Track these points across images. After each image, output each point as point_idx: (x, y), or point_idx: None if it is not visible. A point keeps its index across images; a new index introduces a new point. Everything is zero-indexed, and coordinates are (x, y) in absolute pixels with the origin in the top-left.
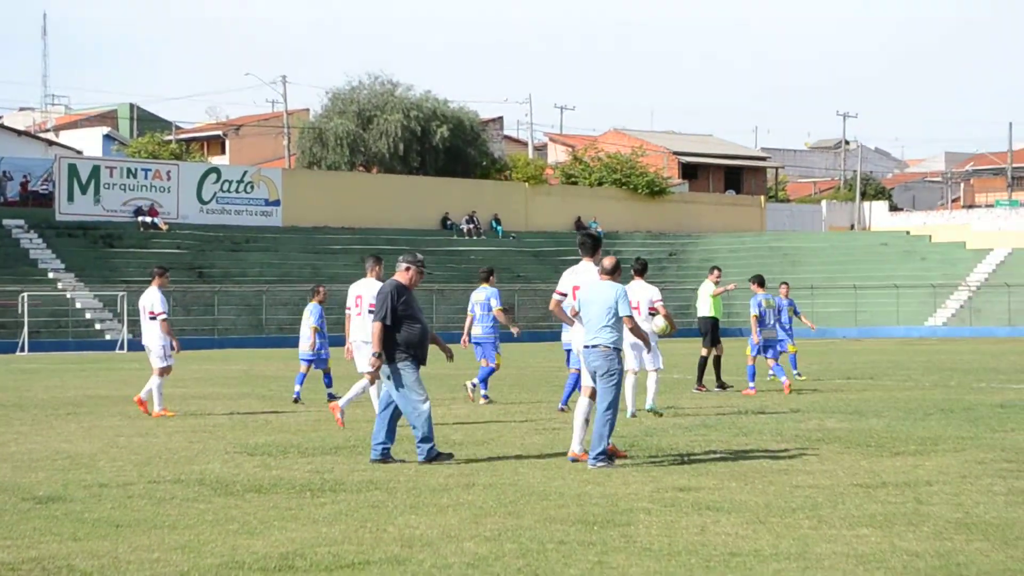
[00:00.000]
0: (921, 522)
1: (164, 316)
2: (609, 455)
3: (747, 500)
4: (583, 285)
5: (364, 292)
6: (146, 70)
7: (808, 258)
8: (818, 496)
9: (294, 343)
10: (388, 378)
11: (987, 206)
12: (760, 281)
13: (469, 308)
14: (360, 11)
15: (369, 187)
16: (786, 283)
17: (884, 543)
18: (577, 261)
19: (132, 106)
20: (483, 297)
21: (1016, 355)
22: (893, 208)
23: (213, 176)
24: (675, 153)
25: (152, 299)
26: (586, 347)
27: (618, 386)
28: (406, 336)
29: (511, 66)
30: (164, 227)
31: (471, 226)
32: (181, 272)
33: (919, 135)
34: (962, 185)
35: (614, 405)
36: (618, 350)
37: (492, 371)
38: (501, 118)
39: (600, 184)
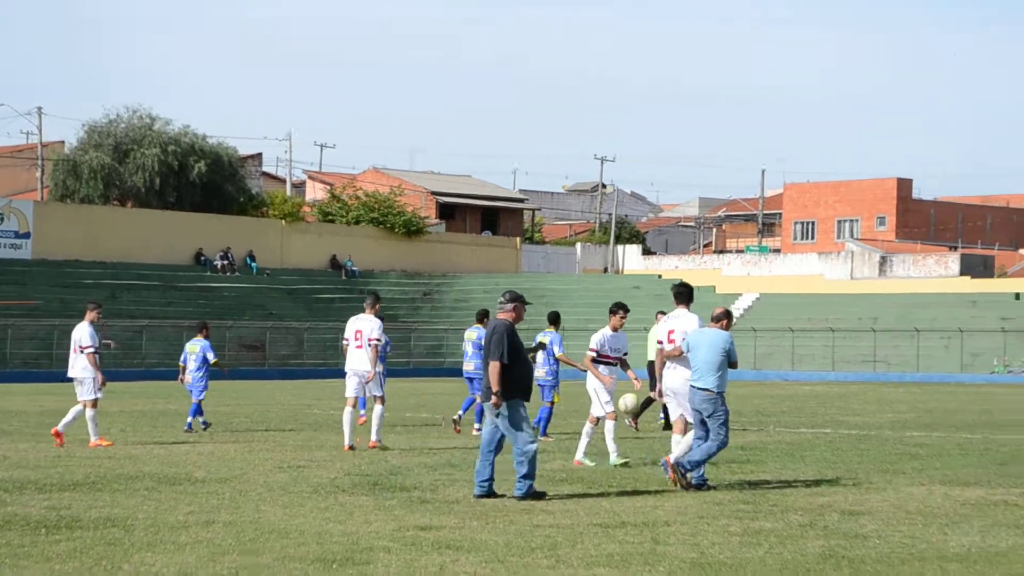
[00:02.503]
0: (657, 562)
1: (92, 349)
2: (687, 479)
3: (487, 539)
4: (690, 331)
5: (363, 327)
6: None
7: (562, 300)
8: (558, 536)
9: (40, 378)
10: (497, 415)
11: (738, 251)
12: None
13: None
14: (118, 44)
15: (123, 221)
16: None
17: None
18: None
19: None
20: (475, 336)
21: (760, 399)
22: (646, 252)
23: None
24: (433, 193)
25: (81, 333)
26: (693, 387)
27: (726, 425)
28: (519, 374)
29: (271, 103)
30: None
31: (225, 262)
32: None
33: (674, 180)
34: (715, 230)
35: (722, 444)
36: (721, 393)
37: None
38: (260, 155)
39: (357, 223)
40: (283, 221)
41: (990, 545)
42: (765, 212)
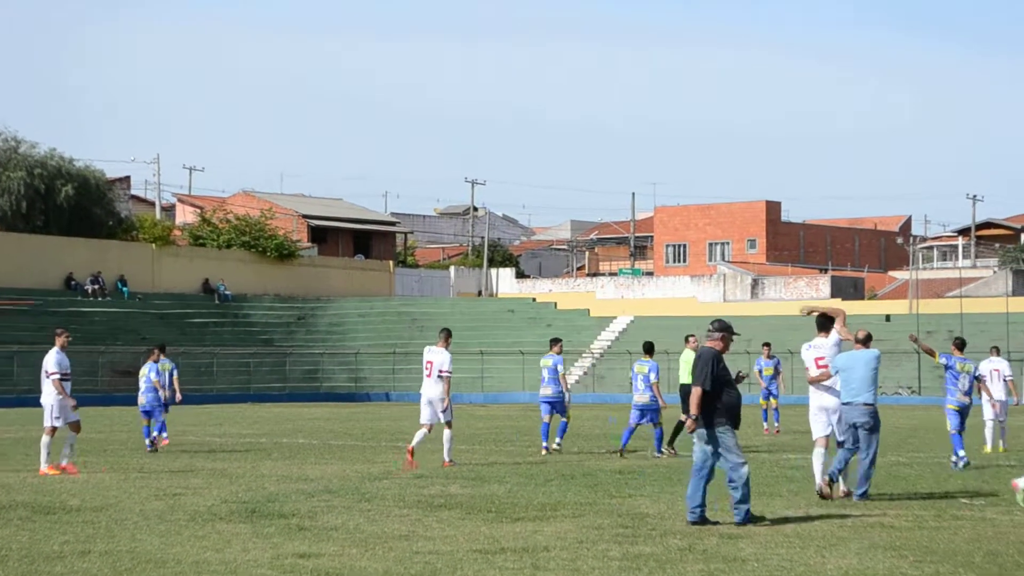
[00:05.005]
0: None
1: (56, 375)
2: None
3: (367, 567)
4: (841, 355)
5: (434, 358)
6: None
7: (436, 323)
8: (437, 562)
9: None
10: (704, 441)
11: (611, 274)
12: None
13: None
14: None
15: None
16: (768, 343)
17: None
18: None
19: None
20: (551, 363)
21: None
22: (520, 275)
23: None
24: (305, 216)
25: (48, 360)
26: (846, 404)
27: (877, 436)
28: (727, 401)
29: (138, 126)
30: None
31: (96, 287)
32: None
33: (546, 203)
34: (587, 253)
35: (875, 452)
36: (875, 407)
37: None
38: (128, 178)
39: (229, 246)
40: (154, 245)
41: (867, 567)
42: (637, 235)
